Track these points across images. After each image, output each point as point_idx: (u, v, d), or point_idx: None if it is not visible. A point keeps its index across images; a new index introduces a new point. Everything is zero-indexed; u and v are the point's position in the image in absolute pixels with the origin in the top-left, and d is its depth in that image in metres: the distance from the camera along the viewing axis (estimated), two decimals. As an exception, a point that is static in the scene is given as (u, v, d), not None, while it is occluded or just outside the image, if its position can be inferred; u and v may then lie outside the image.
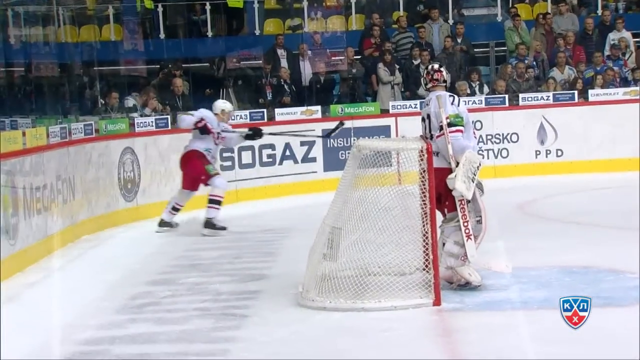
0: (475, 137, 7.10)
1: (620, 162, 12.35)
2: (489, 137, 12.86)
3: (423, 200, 6.19)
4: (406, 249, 6.32)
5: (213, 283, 7.30)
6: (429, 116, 6.64)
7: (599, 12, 15.02)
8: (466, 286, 6.46)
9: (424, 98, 12.79)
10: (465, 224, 6.35)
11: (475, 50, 14.77)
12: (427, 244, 6.16)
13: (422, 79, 7.09)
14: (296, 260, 7.12)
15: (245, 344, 5.57)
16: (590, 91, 13.05)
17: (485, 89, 13.55)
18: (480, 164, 6.43)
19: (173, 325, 6.02)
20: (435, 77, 6.75)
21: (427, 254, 6.16)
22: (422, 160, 6.18)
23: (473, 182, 6.35)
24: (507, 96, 13.12)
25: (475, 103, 12.96)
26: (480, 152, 12.82)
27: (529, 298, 6.24)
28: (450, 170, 6.38)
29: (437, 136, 6.51)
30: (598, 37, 14.19)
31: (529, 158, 12.78)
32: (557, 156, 12.79)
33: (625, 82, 13.32)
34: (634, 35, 14.25)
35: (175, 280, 7.53)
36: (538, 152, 12.79)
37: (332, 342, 5.55)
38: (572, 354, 5.03)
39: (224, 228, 9.58)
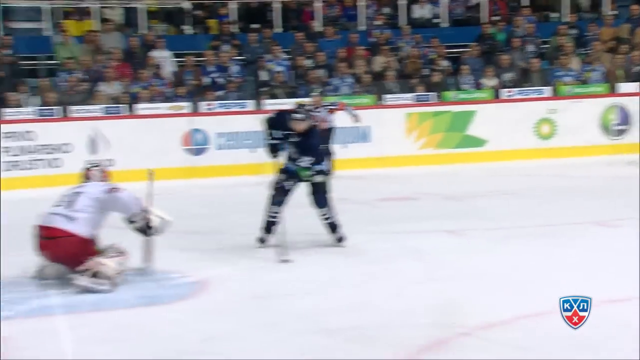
0: None
1: (168, 171, 12.56)
2: (42, 147, 12.51)
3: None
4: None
5: None
6: None
7: (143, 31, 15.35)
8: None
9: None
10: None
11: (23, 62, 14.26)
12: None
13: None
14: None
15: None
16: (137, 105, 13.25)
17: (37, 100, 13.14)
18: None
19: None
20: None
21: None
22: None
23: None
24: (58, 107, 12.88)
25: (27, 114, 12.57)
26: (34, 162, 12.50)
27: (78, 301, 6.20)
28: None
29: None
30: (142, 55, 14.45)
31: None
32: (110, 165, 12.79)
33: (166, 98, 13.67)
34: (175, 55, 14.75)
35: None
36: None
37: None
38: (120, 353, 5.09)
39: None
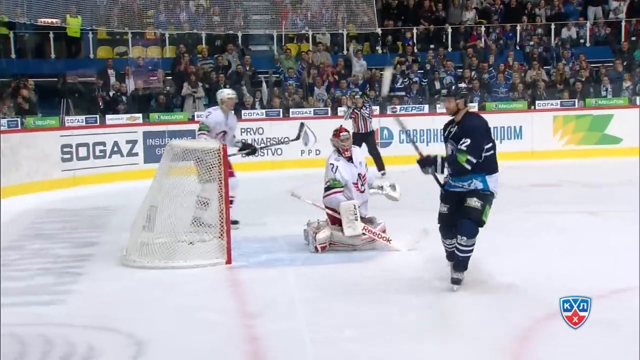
0: (360, 189, 6.65)
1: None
2: (269, 139, 12.96)
3: (220, 186, 6.20)
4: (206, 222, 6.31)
5: (54, 249, 6.93)
6: None
7: (345, 52, 15.56)
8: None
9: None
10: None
11: (258, 75, 14.84)
12: (222, 218, 6.16)
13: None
14: (122, 231, 6.91)
15: (80, 295, 5.38)
16: (339, 108, 13.44)
17: (266, 104, 13.64)
18: (354, 205, 6.43)
19: (20, 281, 5.70)
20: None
21: (222, 226, 6.17)
22: (219, 157, 6.19)
23: (357, 220, 6.39)
24: (281, 110, 13.30)
25: (258, 114, 13.08)
26: (262, 151, 12.96)
27: (295, 257, 6.40)
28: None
29: (324, 196, 6.60)
30: (345, 69, 14.66)
31: (297, 155, 12.96)
32: (316, 154, 13.05)
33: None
34: (368, 69, 14.81)
35: (22, 246, 7.07)
36: (303, 152, 13.02)
37: (149, 292, 5.44)
38: (326, 297, 5.22)
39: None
